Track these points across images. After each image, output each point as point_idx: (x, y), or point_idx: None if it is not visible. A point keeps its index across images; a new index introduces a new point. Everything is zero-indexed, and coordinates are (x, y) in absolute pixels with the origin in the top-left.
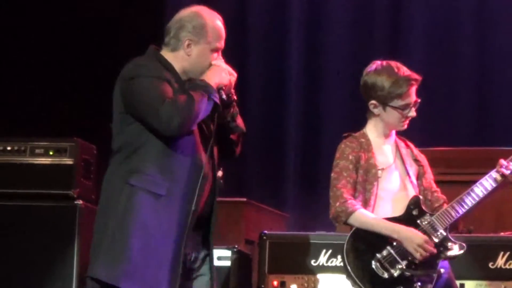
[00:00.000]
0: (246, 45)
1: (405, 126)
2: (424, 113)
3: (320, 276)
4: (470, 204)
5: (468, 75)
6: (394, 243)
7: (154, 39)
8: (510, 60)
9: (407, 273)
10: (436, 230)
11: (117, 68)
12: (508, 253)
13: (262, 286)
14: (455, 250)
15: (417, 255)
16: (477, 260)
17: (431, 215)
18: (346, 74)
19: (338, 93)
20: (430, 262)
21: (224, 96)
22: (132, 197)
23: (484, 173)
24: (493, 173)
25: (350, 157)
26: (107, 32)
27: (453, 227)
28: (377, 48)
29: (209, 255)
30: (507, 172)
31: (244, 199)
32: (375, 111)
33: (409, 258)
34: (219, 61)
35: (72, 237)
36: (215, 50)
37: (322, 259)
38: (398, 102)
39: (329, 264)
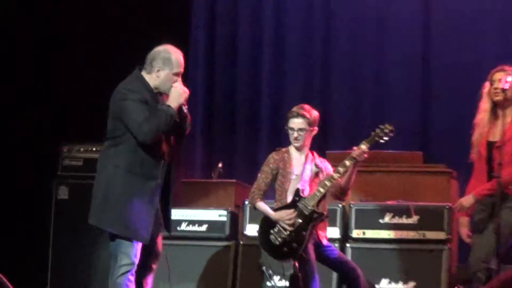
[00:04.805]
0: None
1: (296, 144)
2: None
3: None
4: (328, 185)
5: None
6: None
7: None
8: None
9: (287, 238)
10: (306, 207)
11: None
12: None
13: (245, 232)
14: (316, 218)
15: (283, 225)
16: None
17: (305, 198)
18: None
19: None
20: (301, 229)
21: (185, 109)
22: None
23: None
24: (346, 160)
25: (271, 165)
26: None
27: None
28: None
29: (167, 210)
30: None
31: (234, 180)
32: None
33: (290, 228)
34: (178, 83)
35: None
36: (177, 74)
37: None
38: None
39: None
